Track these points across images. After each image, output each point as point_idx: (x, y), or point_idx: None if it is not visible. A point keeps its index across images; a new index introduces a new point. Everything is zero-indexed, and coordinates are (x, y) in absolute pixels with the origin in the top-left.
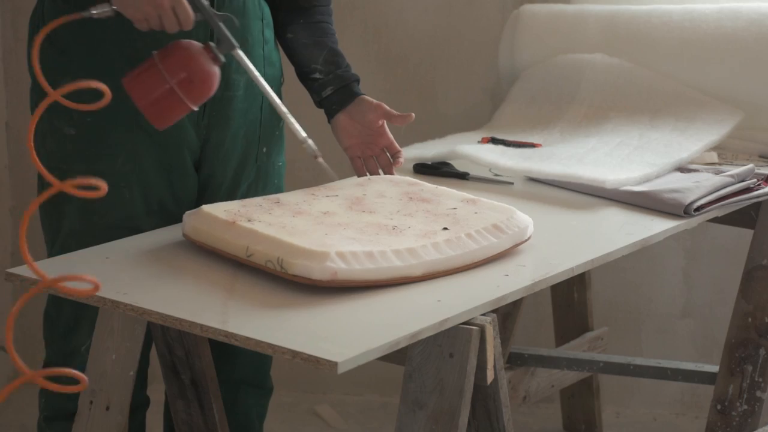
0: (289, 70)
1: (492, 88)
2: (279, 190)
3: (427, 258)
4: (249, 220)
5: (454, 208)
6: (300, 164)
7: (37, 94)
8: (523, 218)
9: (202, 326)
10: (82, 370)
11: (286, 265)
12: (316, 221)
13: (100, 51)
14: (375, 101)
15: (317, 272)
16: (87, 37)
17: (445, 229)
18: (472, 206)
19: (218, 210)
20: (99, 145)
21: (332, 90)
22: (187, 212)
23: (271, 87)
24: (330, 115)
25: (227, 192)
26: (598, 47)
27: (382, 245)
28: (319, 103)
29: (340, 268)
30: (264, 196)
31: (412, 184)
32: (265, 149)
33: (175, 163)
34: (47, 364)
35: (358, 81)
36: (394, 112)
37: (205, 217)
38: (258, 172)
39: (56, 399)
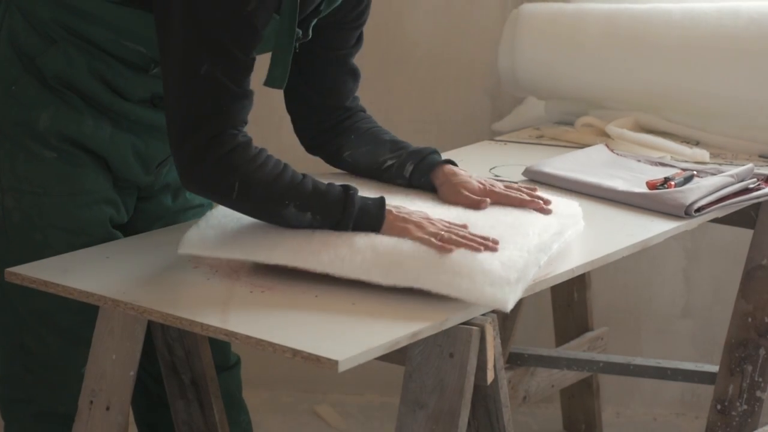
0: None
1: (492, 88)
2: None
3: None
4: None
5: None
6: None
7: None
8: None
9: (202, 325)
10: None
11: None
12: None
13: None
14: (454, 184)
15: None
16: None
17: None
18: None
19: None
20: (80, 165)
21: (413, 165)
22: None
23: None
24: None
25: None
26: (598, 47)
27: None
28: (408, 183)
29: None
30: None
31: None
32: None
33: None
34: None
35: (435, 152)
36: (475, 197)
37: None
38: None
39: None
